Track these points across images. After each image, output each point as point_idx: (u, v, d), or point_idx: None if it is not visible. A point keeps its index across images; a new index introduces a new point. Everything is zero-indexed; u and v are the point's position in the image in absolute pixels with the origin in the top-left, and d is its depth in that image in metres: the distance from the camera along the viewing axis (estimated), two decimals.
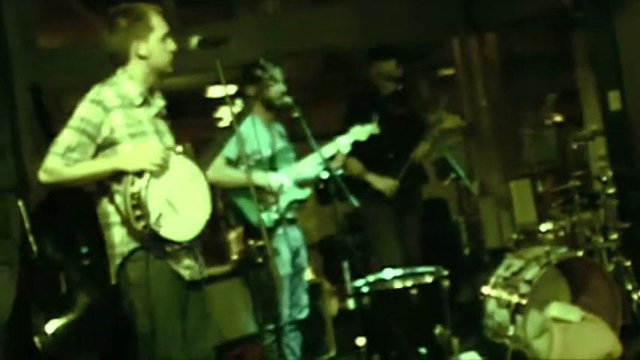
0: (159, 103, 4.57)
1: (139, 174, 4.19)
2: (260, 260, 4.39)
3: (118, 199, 4.28)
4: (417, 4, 9.42)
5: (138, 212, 4.15)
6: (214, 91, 9.59)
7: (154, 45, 4.43)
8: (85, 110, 4.31)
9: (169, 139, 4.55)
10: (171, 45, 4.47)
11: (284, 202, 5.84)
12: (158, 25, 4.45)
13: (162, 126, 4.57)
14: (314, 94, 8.64)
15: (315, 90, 9.02)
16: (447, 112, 7.08)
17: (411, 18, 9.24)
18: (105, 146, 4.33)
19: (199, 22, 9.42)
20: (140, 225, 4.16)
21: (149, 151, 4.27)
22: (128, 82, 4.43)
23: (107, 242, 4.42)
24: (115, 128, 4.31)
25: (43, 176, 4.34)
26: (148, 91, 4.49)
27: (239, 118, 4.79)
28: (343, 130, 6.20)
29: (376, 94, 7.12)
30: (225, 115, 5.35)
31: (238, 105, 5.12)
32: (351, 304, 5.44)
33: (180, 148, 4.45)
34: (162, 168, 4.24)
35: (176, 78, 6.53)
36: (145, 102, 4.46)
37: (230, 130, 4.69)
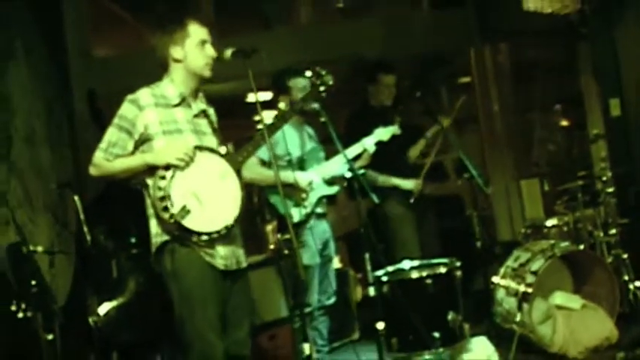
0: (200, 105, 4.58)
1: (167, 168, 4.22)
2: (286, 252, 4.39)
3: (150, 191, 4.33)
4: (436, 16, 9.48)
5: (164, 204, 4.18)
6: (252, 97, 9.64)
7: (190, 50, 4.45)
8: (122, 109, 4.40)
9: (211, 140, 4.54)
10: (209, 51, 4.49)
11: (314, 197, 5.87)
12: (194, 32, 4.47)
13: (205, 127, 4.57)
14: (344, 97, 8.65)
15: (345, 93, 9.03)
16: (440, 114, 7.10)
17: (430, 30, 9.26)
18: (142, 142, 4.38)
19: (238, 32, 9.44)
20: (166, 215, 4.19)
21: (175, 147, 4.28)
22: (169, 84, 4.48)
23: (149, 233, 4.47)
24: (148, 125, 4.36)
25: (91, 170, 4.45)
26: (190, 93, 4.52)
27: (276, 124, 4.81)
28: (348, 135, 6.24)
29: (372, 108, 7.15)
30: (264, 118, 5.38)
31: (271, 113, 5.14)
32: (371, 291, 5.44)
33: (223, 149, 4.49)
34: (187, 163, 4.26)
35: (221, 84, 6.61)
36: (184, 102, 4.49)
37: (266, 131, 4.73)
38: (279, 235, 4.53)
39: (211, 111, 4.71)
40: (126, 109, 4.39)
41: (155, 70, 4.55)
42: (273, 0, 10.30)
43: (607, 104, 7.81)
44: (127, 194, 6.29)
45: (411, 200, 6.96)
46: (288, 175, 5.59)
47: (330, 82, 5.20)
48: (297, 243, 4.52)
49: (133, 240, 6.70)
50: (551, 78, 9.85)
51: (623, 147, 7.62)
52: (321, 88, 5.19)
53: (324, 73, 5.20)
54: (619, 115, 7.70)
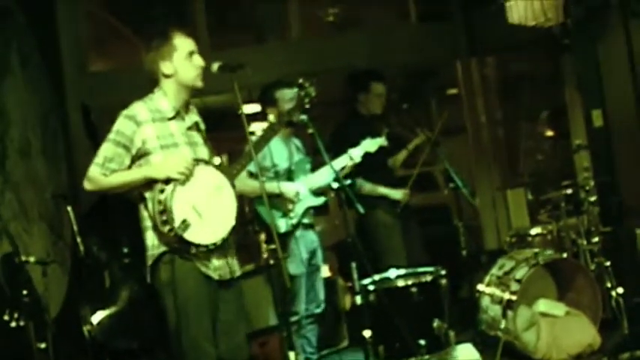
0: (193, 117, 4.57)
1: (167, 182, 4.21)
2: (272, 262, 4.39)
3: (149, 205, 4.31)
4: (424, 30, 9.48)
5: (164, 217, 4.17)
6: (246, 109, 9.62)
7: (179, 63, 4.43)
8: (119, 124, 4.38)
9: (203, 151, 4.54)
10: (198, 61, 4.46)
11: (300, 208, 5.87)
12: (181, 44, 4.45)
13: (197, 138, 4.56)
14: (336, 109, 8.65)
15: (338, 104, 9.03)
16: (422, 127, 7.10)
17: (418, 43, 9.27)
18: (139, 156, 4.37)
19: (230, 46, 9.43)
20: (166, 229, 4.18)
21: (175, 161, 4.27)
22: (162, 98, 4.46)
23: (144, 244, 4.45)
24: (146, 140, 4.35)
25: (86, 184, 4.42)
26: (182, 105, 4.50)
27: (266, 136, 4.80)
28: (335, 144, 6.23)
29: (362, 117, 7.11)
30: (255, 130, 5.40)
31: (260, 125, 5.13)
32: (358, 300, 5.43)
33: (217, 160, 4.51)
34: (187, 177, 4.26)
35: (214, 97, 6.58)
36: (178, 115, 4.47)
37: (255, 144, 4.72)
38: (264, 246, 4.51)
39: (199, 120, 4.68)
40: (123, 124, 4.37)
41: (150, 84, 4.54)
42: (265, 14, 10.30)
43: (590, 115, 7.80)
44: (120, 206, 6.31)
45: (398, 210, 6.94)
46: (274, 186, 5.58)
47: (313, 94, 5.20)
48: (283, 253, 4.48)
49: (125, 250, 6.69)
50: (536, 90, 9.83)
51: (606, 157, 7.62)
52: (305, 100, 5.18)
53: (307, 84, 5.19)
54: (601, 126, 7.69)
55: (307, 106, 5.20)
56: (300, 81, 5.21)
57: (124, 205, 5.96)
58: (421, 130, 7.00)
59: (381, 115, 7.11)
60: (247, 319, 4.80)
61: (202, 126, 4.67)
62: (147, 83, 4.54)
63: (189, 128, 4.53)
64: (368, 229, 6.85)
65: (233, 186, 4.47)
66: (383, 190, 6.94)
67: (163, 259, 4.33)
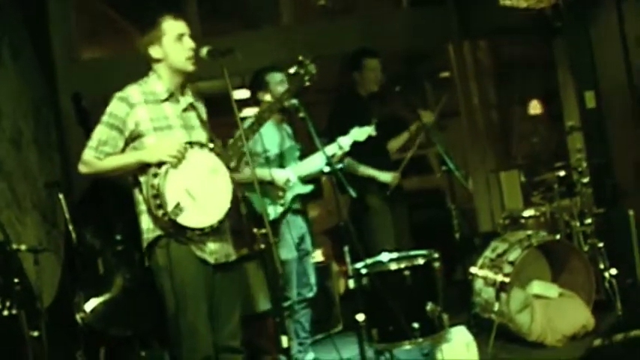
0: (188, 99, 4.55)
1: (160, 166, 4.20)
2: (262, 247, 4.35)
3: (143, 189, 4.30)
4: (416, 14, 9.40)
5: (158, 201, 4.16)
6: (238, 94, 9.60)
7: (168, 47, 4.42)
8: (112, 107, 4.37)
9: (200, 134, 4.52)
10: (188, 43, 4.44)
11: (289, 195, 5.85)
12: (170, 27, 4.43)
13: (194, 121, 4.55)
14: (331, 94, 8.59)
15: (332, 91, 8.97)
16: (422, 109, 6.99)
17: (410, 27, 9.21)
18: (133, 139, 4.36)
19: (222, 33, 9.37)
20: (160, 213, 4.17)
21: (167, 144, 4.27)
22: (156, 81, 4.46)
23: (139, 229, 4.44)
24: (139, 122, 4.34)
25: (81, 167, 4.43)
26: (177, 88, 4.50)
27: (262, 117, 4.75)
28: (328, 132, 6.17)
29: (358, 97, 6.99)
30: (246, 115, 5.37)
31: (252, 110, 5.09)
32: (351, 284, 5.39)
33: (216, 142, 4.49)
34: (180, 160, 4.24)
35: (208, 82, 6.52)
36: (172, 98, 4.46)
37: (250, 126, 4.68)
38: (255, 230, 4.47)
39: (200, 104, 4.68)
40: (116, 106, 4.36)
41: (143, 71, 4.53)
42: (256, 1, 10.24)
43: (582, 97, 7.77)
44: (113, 193, 6.25)
45: (388, 193, 6.84)
46: (265, 173, 5.55)
47: (314, 71, 5.14)
48: (274, 238, 4.44)
49: (119, 237, 6.64)
50: (529, 73, 9.79)
51: (599, 138, 7.59)
52: (306, 77, 5.13)
53: (307, 62, 5.13)
54: (594, 107, 7.66)
55: (308, 84, 5.14)
56: (300, 58, 5.15)
57: (116, 191, 5.93)
58: (420, 112, 6.90)
59: (379, 92, 7.01)
60: (242, 304, 4.76)
61: (201, 108, 4.66)
62: (139, 70, 4.53)
63: (185, 110, 4.51)
64: (359, 213, 6.78)
65: (229, 169, 4.45)
66: (372, 171, 6.81)
67: (159, 243, 4.32)
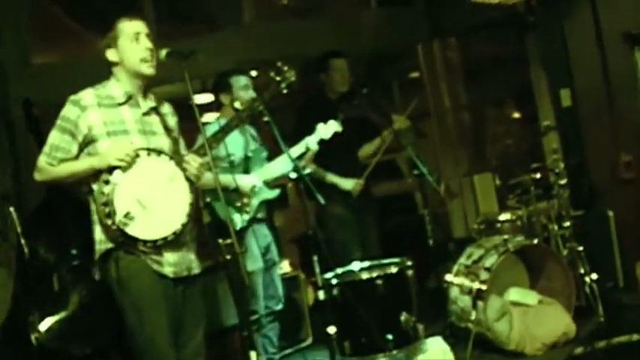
0: (150, 103, 4.49)
1: (111, 172, 4.14)
2: (228, 257, 4.25)
3: (94, 196, 4.23)
4: (385, 13, 9.38)
5: (107, 209, 4.10)
6: (198, 99, 9.51)
7: (124, 49, 4.39)
8: (64, 110, 4.33)
9: (161, 141, 4.46)
10: (144, 43, 4.40)
11: (255, 202, 5.78)
12: (125, 28, 4.41)
13: (156, 126, 4.49)
14: (296, 97, 8.51)
15: (297, 94, 8.91)
16: (396, 113, 6.92)
17: (379, 26, 9.19)
18: (86, 144, 4.31)
19: (181, 35, 9.27)
20: (109, 222, 4.11)
21: (115, 147, 4.20)
22: (115, 84, 4.43)
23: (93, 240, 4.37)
24: (92, 126, 4.28)
25: (35, 175, 4.41)
26: (137, 91, 4.44)
27: (225, 130, 4.70)
28: (296, 134, 6.09)
29: (326, 98, 6.92)
30: (209, 120, 5.29)
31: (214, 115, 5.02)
32: (321, 295, 5.32)
33: (170, 153, 4.41)
34: (129, 164, 4.17)
35: (168, 86, 6.45)
36: (131, 101, 4.41)
37: (214, 138, 4.62)
38: (220, 240, 4.38)
39: (166, 109, 4.64)
40: (68, 110, 4.32)
41: (99, 77, 4.48)
42: (217, 0, 10.17)
43: (557, 95, 7.76)
44: (68, 204, 6.12)
45: (351, 201, 6.73)
46: (229, 180, 5.44)
47: (293, 78, 5.10)
48: (240, 249, 4.34)
49: (74, 251, 6.52)
50: (501, 71, 9.78)
51: (575, 138, 7.59)
52: (283, 85, 5.06)
53: (285, 68, 5.08)
54: (570, 106, 7.66)
55: (285, 91, 5.08)
56: (279, 64, 5.10)
57: (72, 202, 5.79)
58: (392, 116, 6.83)
59: (348, 94, 6.90)
60: (206, 319, 4.68)
61: (168, 114, 4.62)
62: (95, 76, 4.47)
63: (146, 114, 4.46)
64: (325, 221, 6.69)
65: (188, 178, 4.37)
66: (334, 178, 6.72)
67: (112, 255, 4.25)
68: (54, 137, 4.32)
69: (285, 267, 7.28)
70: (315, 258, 5.18)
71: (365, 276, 5.46)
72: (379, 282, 5.40)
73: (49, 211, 6.59)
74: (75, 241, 6.57)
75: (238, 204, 5.69)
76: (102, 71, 4.50)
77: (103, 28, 4.47)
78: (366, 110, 6.89)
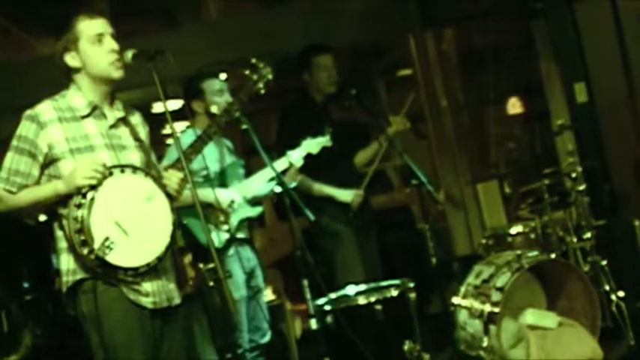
0: (117, 113, 4.45)
1: (84, 195, 4.09)
2: (211, 284, 4.30)
3: (65, 223, 4.19)
4: (370, 1, 9.38)
5: (82, 237, 4.06)
6: (160, 107, 9.46)
7: (86, 52, 4.32)
8: (20, 128, 4.27)
9: (132, 155, 4.44)
10: (109, 44, 4.34)
11: (235, 220, 5.80)
12: (85, 28, 4.33)
13: (126, 139, 4.45)
14: (270, 102, 8.53)
15: (271, 97, 8.96)
16: (393, 115, 6.97)
17: (363, 16, 9.19)
18: (47, 164, 4.26)
19: (139, 33, 9.33)
20: (85, 251, 4.07)
21: (81, 166, 4.14)
22: (76, 93, 4.37)
23: (59, 271, 4.31)
24: (53, 144, 4.23)
25: None
26: (102, 100, 4.40)
27: (203, 140, 4.78)
28: (279, 144, 6.16)
29: (311, 102, 6.95)
30: (173, 131, 5.35)
31: (182, 125, 5.08)
32: (313, 324, 5.39)
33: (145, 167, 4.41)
34: (100, 181, 4.12)
35: (125, 93, 6.49)
36: (96, 112, 4.37)
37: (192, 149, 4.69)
38: (201, 265, 4.42)
39: (136, 118, 4.60)
40: (25, 128, 4.26)
41: (42, 82, 4.45)
42: None
43: (571, 90, 7.83)
44: (17, 232, 6.16)
45: (351, 214, 6.78)
46: (206, 194, 5.49)
47: (270, 76, 5.16)
48: (224, 273, 4.39)
49: (26, 285, 6.55)
50: (505, 65, 9.85)
51: (593, 137, 7.65)
52: (260, 85, 5.13)
53: (261, 65, 5.14)
54: (586, 102, 7.72)
55: (263, 91, 5.15)
56: (253, 61, 5.16)
57: (20, 229, 5.84)
58: (393, 117, 6.89)
59: (337, 95, 6.95)
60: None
61: (139, 124, 4.59)
62: (40, 80, 4.44)
63: (113, 126, 4.42)
64: (317, 240, 6.75)
65: (168, 196, 4.38)
66: (329, 190, 6.76)
67: (83, 287, 4.22)
68: (10, 160, 4.25)
69: (268, 295, 7.33)
70: (306, 282, 5.25)
71: (362, 301, 5.53)
72: (378, 307, 5.46)
73: None
74: (25, 272, 6.60)
75: (214, 222, 5.75)
76: (59, 75, 4.46)
77: (59, 28, 4.36)
78: (356, 112, 6.96)
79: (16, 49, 9.87)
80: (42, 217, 4.46)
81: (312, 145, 6.12)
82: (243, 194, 5.91)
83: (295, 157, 6.02)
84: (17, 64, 8.98)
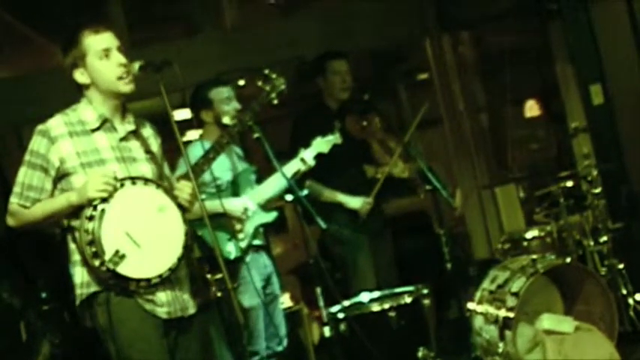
0: (128, 126, 4.45)
1: (95, 207, 4.10)
2: (219, 294, 4.29)
3: (77, 235, 4.20)
4: (387, 6, 9.37)
5: (93, 249, 4.07)
6: (178, 115, 9.47)
7: (94, 67, 4.34)
8: (32, 143, 4.29)
9: (143, 167, 4.44)
10: (116, 59, 4.34)
11: (250, 227, 5.79)
12: (92, 44, 4.34)
13: (137, 152, 4.45)
14: (287, 109, 8.51)
15: (288, 104, 8.94)
16: (400, 160, 6.89)
17: (380, 21, 9.20)
18: (59, 178, 4.28)
19: (156, 42, 9.35)
20: (97, 263, 4.08)
21: (93, 179, 4.15)
22: (87, 107, 4.38)
23: (72, 283, 4.33)
24: (64, 158, 4.25)
25: (9, 220, 4.36)
26: (113, 113, 4.40)
27: (216, 150, 4.77)
28: (292, 151, 6.13)
29: (325, 108, 6.95)
30: (193, 139, 5.35)
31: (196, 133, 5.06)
32: (327, 331, 5.37)
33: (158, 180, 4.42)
34: (112, 194, 4.13)
35: (144, 101, 6.51)
36: (106, 125, 4.37)
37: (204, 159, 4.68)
38: (209, 276, 4.42)
39: (147, 131, 4.61)
40: (36, 142, 4.29)
41: (63, 93, 4.44)
42: (194, 2, 10.23)
43: (587, 91, 7.79)
44: (33, 243, 6.17)
45: (360, 221, 6.74)
46: (216, 205, 5.47)
47: (283, 86, 5.15)
48: (233, 283, 4.38)
49: (44, 295, 6.55)
50: (522, 67, 9.81)
51: (609, 139, 7.61)
52: (273, 95, 5.12)
53: (274, 76, 5.15)
54: (602, 103, 7.68)
55: (275, 102, 5.14)
56: (266, 72, 5.15)
57: (37, 239, 5.84)
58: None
59: (351, 102, 6.92)
60: None
61: (151, 136, 4.59)
62: (61, 89, 4.43)
63: (124, 139, 4.42)
64: (330, 247, 6.73)
65: (180, 207, 4.38)
66: (338, 196, 6.74)
67: (97, 299, 4.23)
68: (24, 175, 4.29)
69: (285, 301, 7.31)
70: (319, 290, 5.23)
71: (376, 308, 5.53)
72: (392, 314, 5.47)
73: (11, 250, 6.64)
74: (43, 282, 6.61)
75: (231, 231, 5.73)
76: (69, 85, 4.46)
77: (66, 41, 4.37)
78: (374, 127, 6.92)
79: (39, 58, 9.90)
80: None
81: (322, 143, 6.10)
82: (256, 201, 5.89)
83: (307, 156, 5.99)
84: (40, 74, 9.00)
